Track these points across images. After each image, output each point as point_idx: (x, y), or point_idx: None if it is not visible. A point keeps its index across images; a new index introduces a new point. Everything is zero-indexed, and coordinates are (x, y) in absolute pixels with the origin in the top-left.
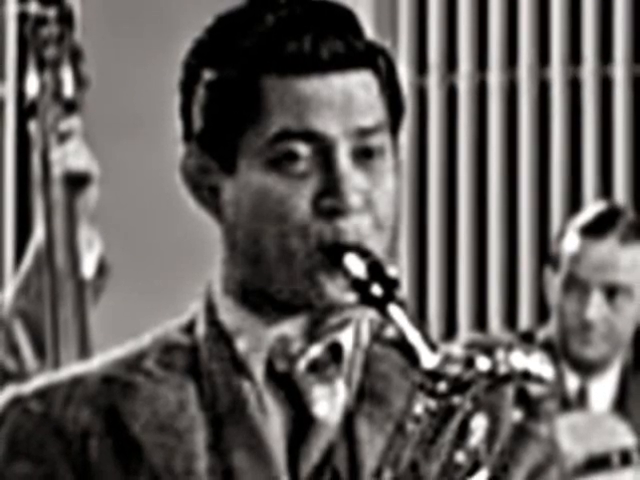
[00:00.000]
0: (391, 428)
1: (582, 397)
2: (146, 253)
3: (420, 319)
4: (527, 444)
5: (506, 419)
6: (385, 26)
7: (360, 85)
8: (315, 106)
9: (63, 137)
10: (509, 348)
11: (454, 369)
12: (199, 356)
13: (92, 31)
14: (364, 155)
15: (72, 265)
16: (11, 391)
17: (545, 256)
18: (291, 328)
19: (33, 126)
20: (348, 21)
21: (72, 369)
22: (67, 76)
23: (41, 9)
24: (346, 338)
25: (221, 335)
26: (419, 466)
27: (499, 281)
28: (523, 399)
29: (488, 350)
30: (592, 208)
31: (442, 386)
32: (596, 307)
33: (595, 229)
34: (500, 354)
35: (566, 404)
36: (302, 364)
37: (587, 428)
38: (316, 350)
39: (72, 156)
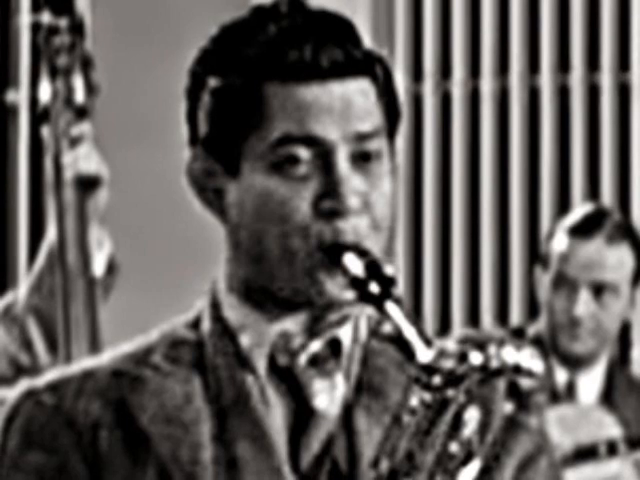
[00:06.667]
0: (388, 420)
1: (570, 390)
2: (154, 252)
3: (415, 315)
4: (518, 435)
5: (498, 411)
6: (382, 35)
7: (358, 92)
8: (315, 112)
9: (74, 142)
10: (501, 343)
11: (448, 363)
12: (204, 351)
13: (102, 40)
14: (362, 159)
15: (83, 264)
16: (25, 384)
17: (535, 255)
18: (292, 324)
19: (46, 131)
20: (347, 31)
21: (83, 363)
22: (78, 83)
23: (53, 19)
24: (345, 334)
25: (225, 331)
26: (415, 456)
27: (491, 279)
28: (514, 392)
29: (480, 345)
30: (580, 209)
31: (437, 380)
32: (584, 304)
33: (583, 229)
34: (492, 349)
35: (555, 397)
36: (303, 359)
37: (575, 420)
38: (316, 345)
39: (83, 160)
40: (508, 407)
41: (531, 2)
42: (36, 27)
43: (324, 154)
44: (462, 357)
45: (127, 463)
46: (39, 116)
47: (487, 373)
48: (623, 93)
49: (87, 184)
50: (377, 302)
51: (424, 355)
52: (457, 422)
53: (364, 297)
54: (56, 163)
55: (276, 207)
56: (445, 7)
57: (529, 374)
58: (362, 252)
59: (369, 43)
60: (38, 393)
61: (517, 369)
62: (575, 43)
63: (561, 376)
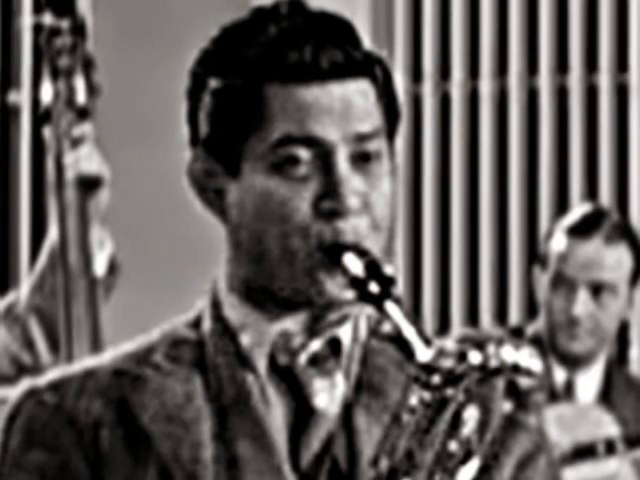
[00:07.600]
0: (387, 419)
1: (569, 389)
2: (155, 252)
3: (415, 315)
4: (517, 434)
5: (497, 410)
6: (382, 36)
7: (358, 93)
8: (315, 113)
9: (76, 142)
10: (499, 343)
11: (447, 363)
12: (205, 350)
13: (103, 41)
14: (362, 159)
15: (84, 264)
16: (26, 383)
17: (534, 255)
18: (292, 324)
19: (47, 132)
20: (347, 32)
21: (84, 363)
22: (80, 84)
23: (55, 21)
24: (345, 333)
25: (226, 330)
26: (414, 455)
27: (490, 279)
28: (513, 391)
29: (479, 344)
30: (578, 210)
31: (436, 379)
32: (582, 304)
33: (581, 229)
34: (491, 348)
35: (554, 396)
36: (303, 358)
37: (574, 419)
38: (316, 345)
39: (84, 160)
40: (507, 406)
41: (530, 3)
42: (38, 28)
43: (324, 155)
44: (461, 356)
45: (128, 462)
46: (41, 117)
47: (486, 372)
48: (621, 94)
49: (88, 184)
50: (377, 302)
51: (423, 354)
52: (456, 421)
53: (364, 297)
54: (58, 163)
55: (276, 207)
56: (444, 8)
57: (528, 373)
58: (362, 252)
59: (369, 44)
60: (40, 392)
61: (516, 368)
62: (574, 44)
63: (560, 375)
